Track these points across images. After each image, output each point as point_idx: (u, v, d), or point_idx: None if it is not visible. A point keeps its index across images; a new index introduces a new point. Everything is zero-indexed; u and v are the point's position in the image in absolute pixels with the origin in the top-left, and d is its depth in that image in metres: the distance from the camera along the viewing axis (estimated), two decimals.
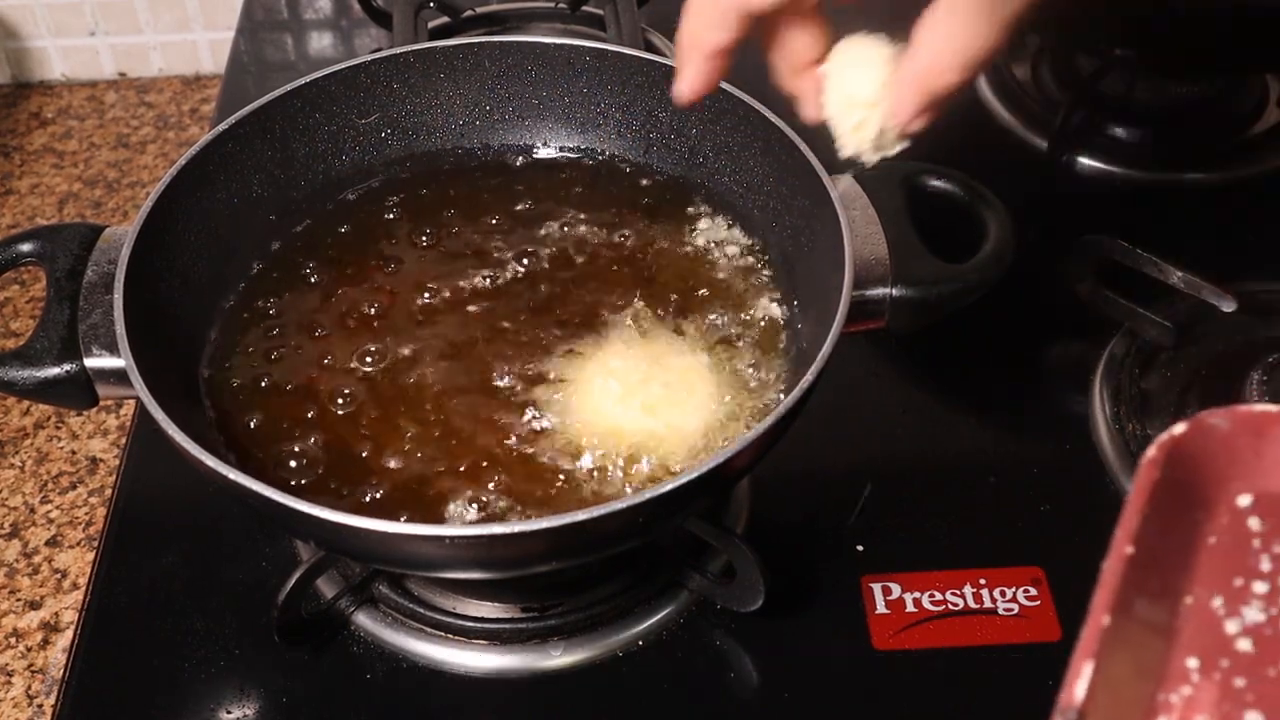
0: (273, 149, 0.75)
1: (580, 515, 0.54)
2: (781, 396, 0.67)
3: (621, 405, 0.66)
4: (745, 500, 0.76)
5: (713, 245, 0.76)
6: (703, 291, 0.73)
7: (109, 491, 0.85)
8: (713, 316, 0.71)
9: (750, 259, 0.75)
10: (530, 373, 0.68)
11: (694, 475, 0.55)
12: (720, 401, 0.67)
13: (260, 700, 0.68)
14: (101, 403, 0.66)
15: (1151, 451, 0.46)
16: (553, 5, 1.10)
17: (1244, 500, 0.48)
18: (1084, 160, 1.01)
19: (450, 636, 0.70)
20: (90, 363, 0.64)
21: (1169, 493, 0.46)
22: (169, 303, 0.68)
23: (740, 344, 0.70)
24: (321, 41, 1.22)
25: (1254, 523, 0.47)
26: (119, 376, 0.62)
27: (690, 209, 0.78)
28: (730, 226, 0.77)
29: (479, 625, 0.70)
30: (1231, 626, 0.45)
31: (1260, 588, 0.46)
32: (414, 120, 0.80)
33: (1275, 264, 0.91)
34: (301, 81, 0.75)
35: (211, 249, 0.72)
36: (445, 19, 1.09)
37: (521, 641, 0.69)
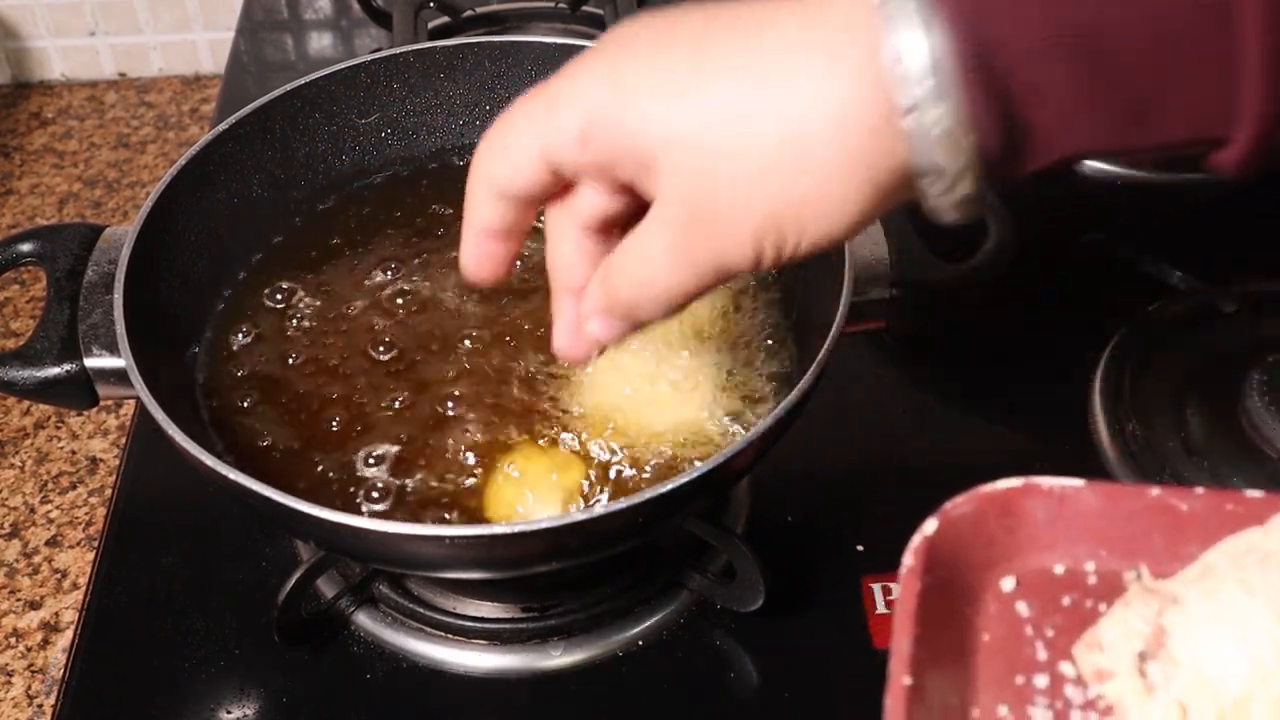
0: (273, 149, 0.75)
1: (580, 515, 0.54)
2: (781, 396, 0.67)
3: (624, 404, 0.66)
4: (745, 500, 0.76)
5: None
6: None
7: (109, 491, 0.85)
8: (713, 317, 0.71)
9: None
10: (533, 370, 0.68)
11: (694, 475, 0.55)
12: (721, 401, 0.67)
13: (260, 700, 0.68)
14: (101, 403, 0.66)
15: (908, 560, 0.44)
16: (553, 5, 1.10)
17: (1008, 584, 0.46)
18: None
19: (450, 636, 0.70)
20: (90, 363, 0.64)
21: (935, 597, 0.43)
22: (169, 303, 0.68)
23: (740, 343, 0.70)
24: (321, 41, 1.22)
25: (1021, 608, 0.45)
26: (119, 376, 0.62)
27: None
28: None
29: (479, 625, 0.70)
30: None
31: (1041, 681, 0.44)
32: (414, 120, 0.80)
33: (1275, 264, 0.91)
34: (301, 81, 0.76)
35: (211, 249, 0.72)
36: (445, 19, 1.09)
37: (521, 641, 0.69)
